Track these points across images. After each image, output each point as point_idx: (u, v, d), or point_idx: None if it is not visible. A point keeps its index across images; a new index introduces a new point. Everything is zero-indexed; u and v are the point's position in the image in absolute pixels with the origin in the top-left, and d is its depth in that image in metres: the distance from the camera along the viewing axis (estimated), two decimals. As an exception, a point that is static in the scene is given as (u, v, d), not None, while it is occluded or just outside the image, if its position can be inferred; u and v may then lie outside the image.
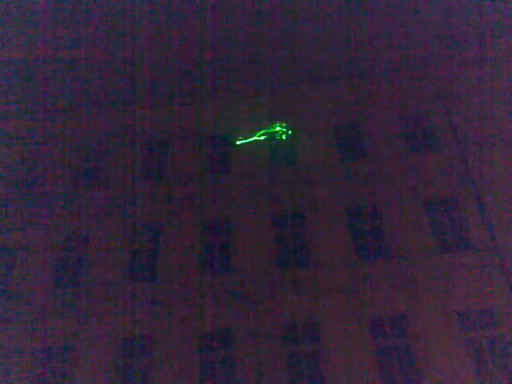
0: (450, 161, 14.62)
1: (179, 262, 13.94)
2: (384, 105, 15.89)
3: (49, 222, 14.97)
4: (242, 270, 13.59)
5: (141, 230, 14.67)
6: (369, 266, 13.30)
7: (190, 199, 14.98)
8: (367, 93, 16.07)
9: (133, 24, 17.39)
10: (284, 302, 13.02)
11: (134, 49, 17.30)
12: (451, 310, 12.42)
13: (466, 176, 14.29)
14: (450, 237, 13.59)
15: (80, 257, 14.44)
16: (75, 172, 16.04)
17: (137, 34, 17.46)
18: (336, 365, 12.08)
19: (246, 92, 16.60)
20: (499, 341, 12.00)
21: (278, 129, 15.58)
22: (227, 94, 16.70)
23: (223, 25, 17.46)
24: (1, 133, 16.66)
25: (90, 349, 12.91)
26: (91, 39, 17.57)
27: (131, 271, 14.03)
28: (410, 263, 13.18)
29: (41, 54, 17.38)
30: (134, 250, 14.38)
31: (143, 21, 17.60)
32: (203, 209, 14.76)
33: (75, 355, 12.90)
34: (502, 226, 13.21)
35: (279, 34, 17.36)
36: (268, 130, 15.62)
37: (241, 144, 15.63)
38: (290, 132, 15.64)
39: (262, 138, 15.61)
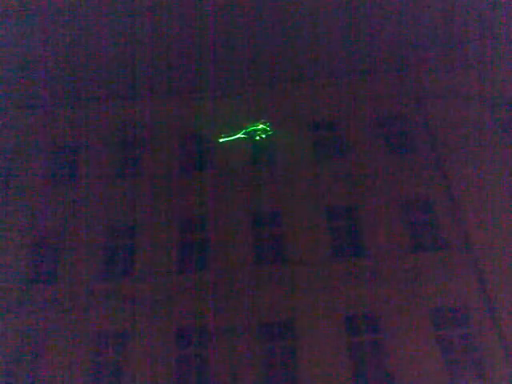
0: (424, 161, 14.85)
1: (157, 259, 13.91)
2: (362, 105, 16.06)
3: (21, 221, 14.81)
4: (218, 267, 13.62)
5: (117, 227, 14.62)
6: (344, 263, 13.44)
7: (168, 197, 14.96)
8: (346, 93, 16.23)
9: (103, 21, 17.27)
10: (260, 299, 13.05)
11: (114, 44, 17.20)
12: (424, 308, 12.61)
13: (439, 176, 14.52)
14: (424, 236, 13.81)
15: (55, 253, 14.32)
16: (51, 168, 15.87)
17: (116, 30, 17.37)
18: (311, 361, 12.17)
19: (228, 90, 16.61)
20: (471, 338, 12.20)
21: (260, 127, 15.60)
22: (211, 92, 16.67)
23: (205, 24, 17.46)
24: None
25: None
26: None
27: (107, 268, 13.97)
28: (384, 261, 13.34)
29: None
30: (111, 247, 14.32)
31: (115, 18, 17.49)
32: (181, 206, 14.75)
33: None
34: (475, 226, 13.47)
35: (261, 34, 17.43)
36: (250, 129, 15.64)
37: (223, 142, 15.63)
38: (269, 131, 15.69)
39: (244, 136, 15.64)
